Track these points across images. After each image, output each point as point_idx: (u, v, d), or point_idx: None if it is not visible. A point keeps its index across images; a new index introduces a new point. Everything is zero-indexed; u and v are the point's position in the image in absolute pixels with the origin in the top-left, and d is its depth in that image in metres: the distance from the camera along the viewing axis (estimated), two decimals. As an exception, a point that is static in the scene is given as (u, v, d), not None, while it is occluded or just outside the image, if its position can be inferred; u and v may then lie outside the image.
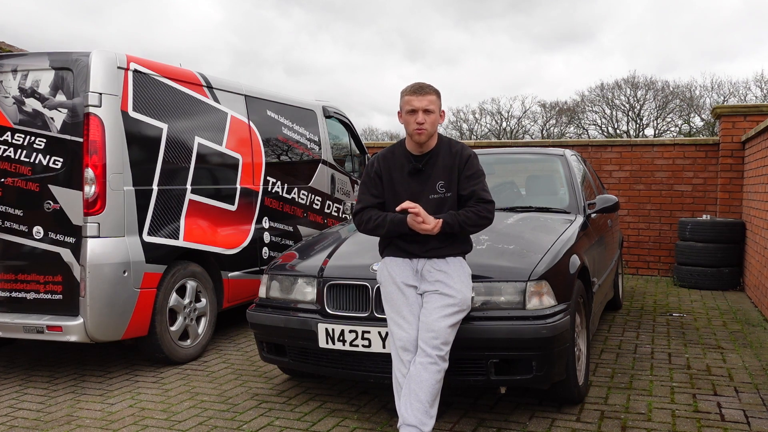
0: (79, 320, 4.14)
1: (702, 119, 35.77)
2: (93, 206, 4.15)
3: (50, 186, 4.24)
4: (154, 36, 59.71)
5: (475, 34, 62.24)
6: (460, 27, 62.38)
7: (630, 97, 38.46)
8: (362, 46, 65.15)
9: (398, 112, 3.27)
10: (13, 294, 4.34)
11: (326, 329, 3.45)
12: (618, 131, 38.40)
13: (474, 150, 3.39)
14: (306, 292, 3.68)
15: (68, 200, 4.20)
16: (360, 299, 3.47)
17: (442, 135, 3.33)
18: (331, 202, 6.85)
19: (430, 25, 63.02)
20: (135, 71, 4.49)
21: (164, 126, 4.67)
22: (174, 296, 4.67)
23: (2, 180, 4.35)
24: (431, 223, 3.07)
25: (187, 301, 4.79)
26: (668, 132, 37.26)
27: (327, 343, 3.45)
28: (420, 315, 3.10)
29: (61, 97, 4.27)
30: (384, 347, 3.31)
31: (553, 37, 60.16)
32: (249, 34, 63.78)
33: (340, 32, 65.05)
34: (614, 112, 39.17)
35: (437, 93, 3.21)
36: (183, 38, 62.75)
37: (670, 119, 37.80)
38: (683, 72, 52.75)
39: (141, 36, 56.96)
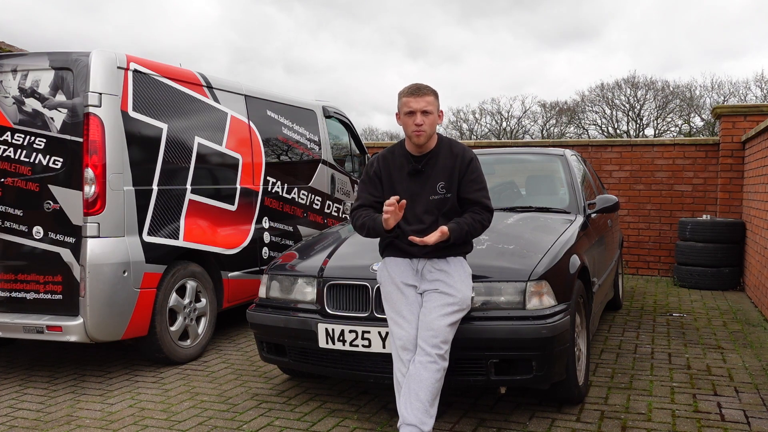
0: (79, 320, 4.14)
1: (702, 119, 35.79)
2: (93, 206, 4.15)
3: (50, 186, 4.24)
4: (151, 33, 59.78)
5: (478, 31, 62.21)
6: (463, 24, 62.37)
7: (630, 97, 38.47)
8: (363, 43, 65.19)
9: (396, 114, 3.27)
10: (13, 294, 4.34)
11: (326, 329, 3.45)
12: (618, 131, 38.41)
13: (474, 150, 3.39)
14: (306, 292, 3.68)
15: (68, 200, 4.20)
16: (360, 299, 3.47)
17: (442, 135, 3.33)
18: (331, 202, 6.85)
19: (431, 22, 63.01)
20: (135, 71, 4.49)
21: (164, 126, 4.67)
22: (174, 296, 4.67)
23: (2, 180, 4.35)
24: (431, 241, 3.07)
25: (187, 301, 4.79)
26: (668, 132, 37.28)
27: (327, 343, 3.45)
28: (420, 314, 3.10)
29: (61, 97, 4.27)
30: (384, 347, 3.32)
31: (557, 34, 60.09)
32: (248, 31, 63.83)
33: (340, 30, 65.06)
34: (614, 112, 39.19)
35: (435, 93, 3.21)
36: (181, 35, 62.84)
37: (670, 119, 37.82)
38: (689, 70, 52.60)
39: (139, 33, 57.02)
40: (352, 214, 3.34)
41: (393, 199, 3.03)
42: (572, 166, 5.21)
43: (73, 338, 4.15)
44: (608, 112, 39.35)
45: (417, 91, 3.17)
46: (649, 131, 38.00)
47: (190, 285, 4.83)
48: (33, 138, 4.30)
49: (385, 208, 3.05)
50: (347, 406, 3.82)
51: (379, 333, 3.32)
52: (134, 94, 4.45)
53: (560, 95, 62.18)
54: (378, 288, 3.35)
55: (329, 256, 3.80)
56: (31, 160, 4.30)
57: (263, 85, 6.13)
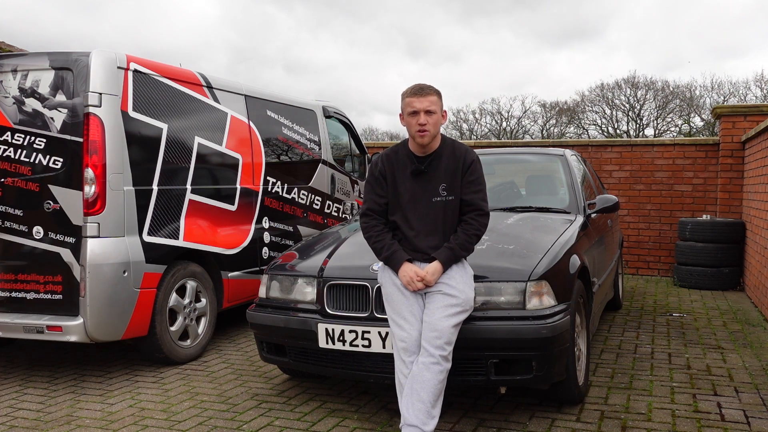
0: (79, 320, 4.14)
1: (702, 119, 35.78)
2: (93, 206, 4.15)
3: (50, 186, 4.24)
4: (151, 33, 59.69)
5: (479, 31, 62.07)
6: (463, 23, 62.25)
7: (630, 97, 38.46)
8: (363, 43, 65.10)
9: (400, 114, 3.26)
10: (13, 294, 4.34)
11: (326, 329, 3.45)
12: (618, 131, 38.40)
13: (475, 150, 3.39)
14: (306, 292, 3.68)
15: (68, 200, 4.20)
16: (360, 299, 3.47)
17: (446, 136, 3.33)
18: (331, 202, 6.85)
19: (432, 21, 62.90)
20: (135, 71, 4.49)
21: (164, 126, 4.67)
22: (174, 296, 4.66)
23: (2, 180, 4.35)
24: (431, 279, 3.12)
25: (187, 301, 4.79)
26: (668, 132, 37.26)
27: (327, 343, 3.45)
28: (423, 315, 3.11)
29: (61, 97, 4.27)
30: (384, 347, 3.32)
31: (558, 34, 60.00)
32: (248, 30, 63.75)
33: (341, 29, 64.95)
34: (614, 112, 39.18)
35: (438, 93, 3.21)
36: (181, 35, 62.76)
37: (670, 119, 37.81)
38: (690, 70, 52.40)
39: (138, 32, 56.93)
40: (362, 221, 3.33)
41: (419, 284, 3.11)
42: (572, 166, 5.21)
43: (73, 338, 4.15)
44: (608, 112, 39.37)
45: (420, 91, 3.17)
46: (649, 131, 38.01)
47: (190, 285, 4.83)
48: (33, 138, 4.30)
49: (414, 280, 3.10)
50: (347, 406, 3.82)
51: (379, 333, 3.32)
52: (134, 94, 4.45)
53: (560, 95, 62.23)
54: (378, 288, 3.35)
55: (329, 256, 3.80)
56: (31, 160, 4.30)
57: (263, 85, 6.13)
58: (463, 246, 3.18)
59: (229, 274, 5.24)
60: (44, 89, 4.30)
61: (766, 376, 4.30)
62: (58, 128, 4.26)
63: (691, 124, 36.34)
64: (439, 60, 62.52)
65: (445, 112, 3.27)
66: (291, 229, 6.12)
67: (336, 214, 6.94)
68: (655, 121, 38.20)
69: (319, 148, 6.70)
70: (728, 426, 3.43)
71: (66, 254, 4.21)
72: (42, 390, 4.20)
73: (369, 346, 3.35)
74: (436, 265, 3.12)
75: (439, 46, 62.99)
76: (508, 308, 3.31)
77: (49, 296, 4.26)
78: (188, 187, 4.86)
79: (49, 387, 4.27)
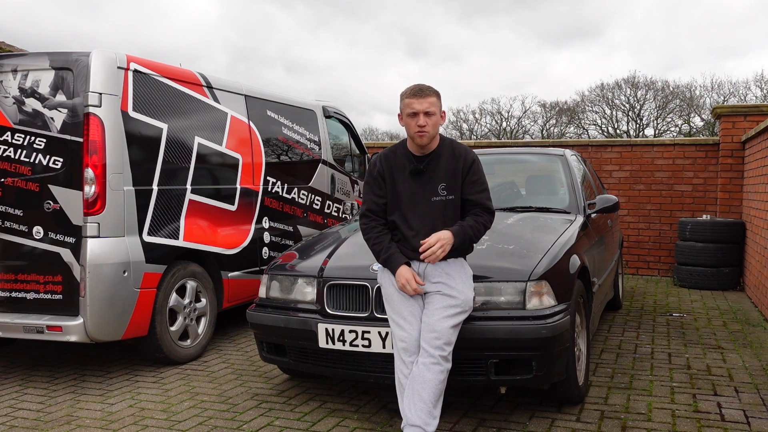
0: (79, 320, 4.14)
1: (702, 119, 35.80)
2: (93, 206, 4.15)
3: (50, 186, 4.25)
4: (150, 32, 59.74)
5: (479, 30, 62.09)
6: (464, 23, 62.25)
7: (630, 97, 38.48)
8: (363, 43, 65.12)
9: (399, 115, 3.26)
10: (13, 294, 4.34)
11: (326, 329, 3.45)
12: (618, 131, 38.41)
13: (474, 150, 3.39)
14: (306, 292, 3.68)
15: (68, 200, 4.21)
16: (360, 299, 3.47)
17: (444, 136, 3.33)
18: (331, 202, 6.85)
19: (432, 20, 62.90)
20: (135, 71, 4.49)
21: (164, 126, 4.67)
22: (174, 296, 4.67)
23: (2, 180, 4.35)
24: (437, 245, 3.05)
25: (187, 301, 4.79)
26: (668, 132, 37.28)
27: (327, 343, 3.45)
28: (422, 316, 3.11)
29: (61, 97, 4.27)
30: (384, 347, 3.32)
31: (558, 34, 60.01)
32: (248, 30, 63.75)
33: (341, 29, 64.97)
34: (614, 112, 39.19)
35: (437, 94, 3.21)
36: (180, 34, 62.81)
37: (670, 119, 37.83)
38: (692, 69, 52.39)
39: (137, 32, 56.97)
40: (361, 222, 3.33)
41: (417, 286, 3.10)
42: (572, 166, 5.21)
43: (73, 338, 4.15)
44: (608, 112, 39.39)
45: (419, 92, 3.16)
46: (649, 131, 38.03)
47: (190, 285, 4.83)
48: (33, 138, 4.30)
49: (409, 283, 3.09)
50: (347, 406, 3.82)
51: (379, 333, 3.32)
52: (134, 94, 4.45)
53: (560, 95, 62.28)
54: (378, 288, 3.35)
55: (329, 256, 3.80)
56: (31, 160, 4.30)
57: (263, 85, 6.13)
58: (474, 228, 3.15)
59: (229, 274, 5.24)
60: (44, 89, 4.30)
61: (766, 376, 4.30)
62: (58, 128, 4.26)
63: (691, 124, 36.37)
64: (439, 60, 62.58)
65: (444, 112, 3.27)
66: (291, 229, 6.13)
67: (336, 214, 6.94)
68: (655, 121, 38.23)
69: (319, 148, 6.70)
70: (728, 426, 3.43)
71: (66, 254, 4.21)
72: (42, 390, 4.20)
73: (369, 346, 3.35)
74: (447, 233, 3.06)
75: (439, 45, 63.05)
76: (508, 308, 3.31)
77: (49, 296, 4.26)
78: (188, 187, 4.86)
79: (49, 387, 4.27)
